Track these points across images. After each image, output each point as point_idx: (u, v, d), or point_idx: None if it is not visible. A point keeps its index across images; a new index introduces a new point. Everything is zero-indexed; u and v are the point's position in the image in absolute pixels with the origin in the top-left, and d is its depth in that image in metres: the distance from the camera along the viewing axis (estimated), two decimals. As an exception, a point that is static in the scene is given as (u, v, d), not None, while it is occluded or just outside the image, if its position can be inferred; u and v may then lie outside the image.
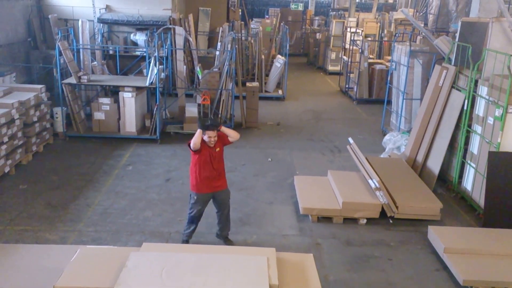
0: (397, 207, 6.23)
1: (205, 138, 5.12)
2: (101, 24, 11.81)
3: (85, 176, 7.43)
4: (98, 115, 9.00)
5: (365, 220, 6.24)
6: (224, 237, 5.58)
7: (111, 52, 11.79)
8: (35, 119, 8.04)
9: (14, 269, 4.41)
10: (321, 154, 8.92)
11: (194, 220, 5.41)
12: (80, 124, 9.08)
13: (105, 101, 9.01)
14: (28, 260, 4.51)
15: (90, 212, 6.28)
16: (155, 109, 8.97)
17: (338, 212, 6.23)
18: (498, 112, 6.18)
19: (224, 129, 5.27)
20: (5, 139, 7.08)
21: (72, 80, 8.90)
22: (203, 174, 5.21)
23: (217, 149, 5.24)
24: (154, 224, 6.05)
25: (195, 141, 5.05)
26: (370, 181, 6.45)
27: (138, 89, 8.94)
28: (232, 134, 5.30)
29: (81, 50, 9.95)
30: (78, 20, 10.49)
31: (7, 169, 7.18)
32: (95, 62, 10.34)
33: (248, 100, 10.42)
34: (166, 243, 5.39)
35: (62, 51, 8.72)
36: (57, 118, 9.00)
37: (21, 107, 7.57)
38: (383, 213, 6.25)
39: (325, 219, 6.27)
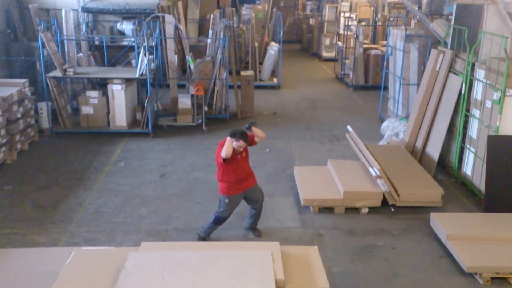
0: (398, 195, 6.17)
1: (235, 145, 5.03)
2: (86, 14, 11.45)
3: (75, 174, 7.22)
4: (86, 110, 8.76)
5: (367, 209, 6.19)
6: (253, 229, 5.60)
7: (97, 42, 11.47)
8: (18, 115, 7.80)
9: (4, 275, 4.21)
10: (320, 143, 8.83)
11: (222, 221, 5.39)
12: (67, 120, 8.82)
13: (93, 94, 8.76)
14: (19, 265, 4.31)
15: (82, 212, 6.10)
16: (146, 101, 8.76)
17: (340, 202, 6.17)
18: (496, 95, 6.14)
19: (254, 129, 5.25)
20: (-12, 137, 6.85)
21: (57, 73, 8.64)
22: (233, 180, 5.17)
23: (243, 154, 5.21)
24: (150, 222, 5.91)
25: (227, 152, 4.91)
26: (370, 169, 6.38)
27: (127, 80, 8.70)
28: (260, 134, 5.26)
29: (65, 41, 9.64)
30: (61, 9, 10.13)
31: (-9, 169, 6.96)
32: (81, 54, 10.05)
33: (243, 90, 10.26)
34: (165, 242, 5.27)
35: (45, 43, 8.43)
36: (42, 113, 8.74)
37: (4, 103, 7.33)
38: (384, 201, 6.21)
39: (326, 210, 6.21)
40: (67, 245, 5.28)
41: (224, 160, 5.02)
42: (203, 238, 5.40)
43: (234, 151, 5.04)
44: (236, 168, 5.13)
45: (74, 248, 4.51)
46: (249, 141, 5.16)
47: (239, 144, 5.02)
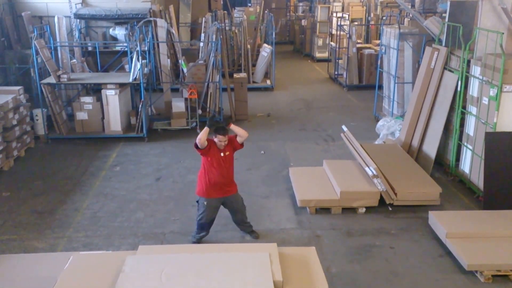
0: (395, 194, 6.13)
1: (216, 140, 5.03)
2: (78, 20, 11.40)
3: (71, 179, 7.17)
4: (81, 115, 8.72)
5: (364, 209, 6.15)
6: (250, 231, 5.54)
7: (90, 48, 11.41)
8: (14, 122, 7.76)
9: (3, 281, 4.17)
10: (315, 144, 8.79)
11: (205, 227, 5.31)
12: (62, 126, 8.78)
13: (87, 100, 8.73)
14: (18, 271, 4.27)
15: (79, 217, 6.07)
16: (140, 106, 8.72)
17: (336, 202, 6.12)
18: (492, 92, 6.10)
19: (233, 127, 5.14)
20: (-16, 144, 6.79)
21: (51, 79, 8.59)
22: (212, 179, 5.08)
23: (227, 153, 5.10)
24: (147, 225, 5.88)
25: (200, 137, 4.89)
26: (367, 168, 6.33)
27: (121, 86, 8.66)
28: (241, 133, 5.13)
29: (58, 48, 9.60)
30: (54, 16, 10.10)
31: (-13, 176, 6.90)
32: (74, 60, 10.00)
33: (237, 92, 10.23)
34: (163, 245, 5.24)
35: (39, 50, 8.40)
36: (37, 120, 8.68)
37: (-1, 111, 7.27)
38: (382, 200, 6.16)
39: (323, 210, 6.17)
40: (65, 250, 5.26)
41: (202, 152, 4.96)
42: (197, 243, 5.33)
43: (216, 146, 5.05)
44: (216, 166, 5.03)
45: (72, 253, 4.48)
46: (231, 141, 5.12)
47: (218, 139, 4.99)
